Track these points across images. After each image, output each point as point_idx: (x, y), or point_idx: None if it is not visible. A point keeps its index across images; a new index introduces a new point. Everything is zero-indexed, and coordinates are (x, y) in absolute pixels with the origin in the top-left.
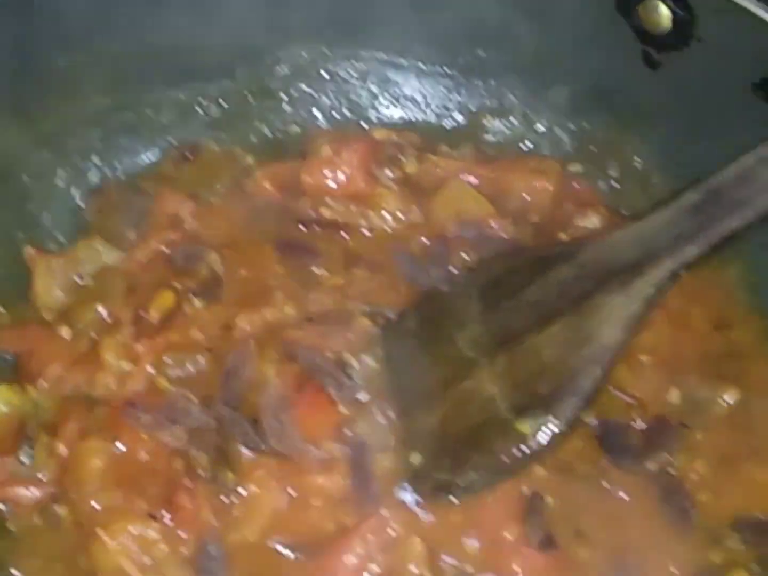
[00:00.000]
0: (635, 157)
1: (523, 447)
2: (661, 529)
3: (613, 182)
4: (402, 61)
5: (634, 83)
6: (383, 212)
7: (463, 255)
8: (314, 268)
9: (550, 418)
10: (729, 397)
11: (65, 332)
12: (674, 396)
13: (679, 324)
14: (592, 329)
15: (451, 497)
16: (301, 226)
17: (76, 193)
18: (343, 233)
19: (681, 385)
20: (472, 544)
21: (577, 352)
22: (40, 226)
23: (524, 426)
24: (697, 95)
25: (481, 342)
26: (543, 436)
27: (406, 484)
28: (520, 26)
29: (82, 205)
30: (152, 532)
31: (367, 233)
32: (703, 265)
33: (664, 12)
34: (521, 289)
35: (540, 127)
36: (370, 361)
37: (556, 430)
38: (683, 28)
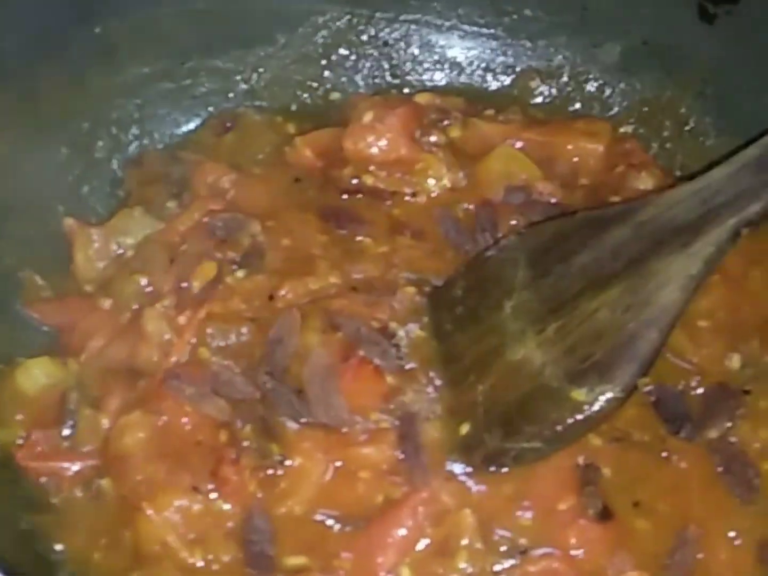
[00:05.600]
0: (690, 117)
1: (578, 415)
2: (722, 499)
3: (667, 143)
4: (445, 22)
5: (689, 38)
6: (428, 179)
7: (512, 221)
8: (358, 237)
9: (607, 385)
10: None
11: (107, 304)
12: (735, 361)
13: (738, 287)
14: (650, 292)
15: (503, 467)
16: (344, 195)
17: (115, 164)
18: (387, 201)
19: (742, 350)
20: (525, 515)
21: (634, 316)
22: (79, 198)
23: (579, 394)
24: (756, 49)
25: (531, 309)
26: (599, 404)
27: (456, 455)
28: None
29: (122, 176)
30: (197, 505)
31: (411, 200)
32: (763, 225)
33: None
34: (573, 253)
35: (590, 88)
36: (416, 329)
37: (613, 398)
38: None
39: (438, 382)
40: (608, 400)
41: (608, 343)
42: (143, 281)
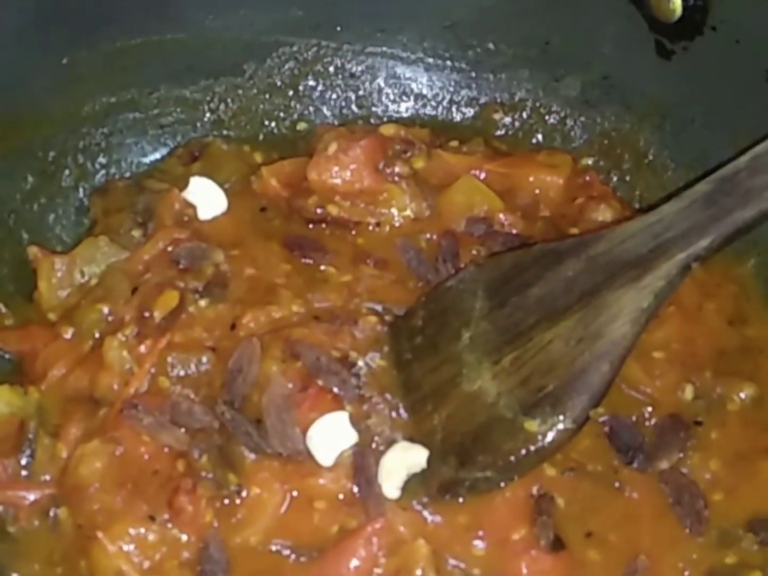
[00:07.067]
0: (649, 150)
1: (530, 446)
2: (673, 530)
3: (626, 175)
4: (410, 55)
5: (647, 73)
6: (392, 209)
7: (473, 251)
8: (322, 266)
9: (559, 416)
10: (744, 394)
11: (69, 333)
12: (688, 393)
13: (693, 319)
14: (601, 325)
15: (458, 497)
16: (309, 224)
17: (81, 193)
18: (351, 230)
19: (695, 381)
20: (479, 545)
21: (586, 348)
22: (45, 226)
23: (532, 425)
24: (712, 85)
25: (488, 340)
26: (551, 436)
27: (412, 484)
28: (530, 17)
29: (88, 204)
30: (152, 535)
31: (375, 230)
32: (717, 259)
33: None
34: (529, 285)
35: (551, 121)
36: (377, 359)
37: (565, 429)
38: (696, 16)
39: (396, 412)
40: (560, 432)
41: (561, 374)
42: (105, 310)
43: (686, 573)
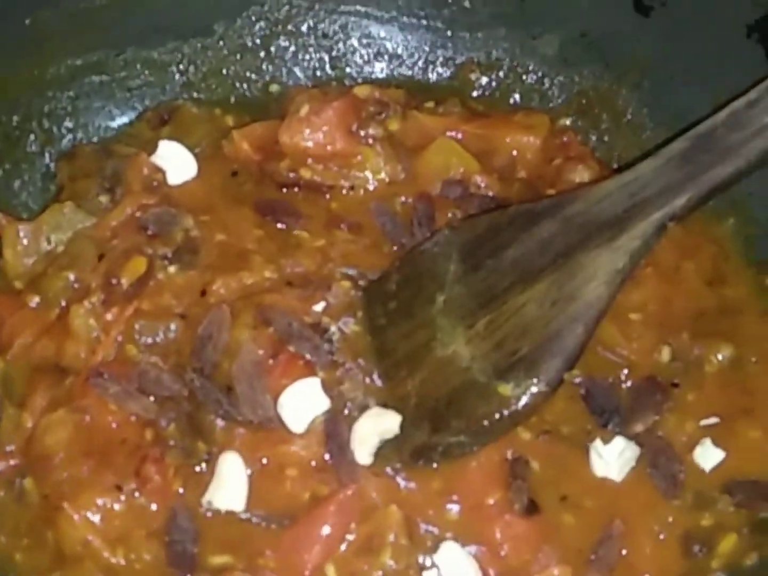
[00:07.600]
0: (627, 109)
1: (504, 410)
2: (648, 493)
3: (604, 135)
4: (384, 14)
5: (626, 31)
6: (366, 172)
7: (449, 214)
8: (295, 231)
9: (533, 380)
10: (722, 355)
11: (35, 301)
12: (665, 354)
13: (670, 280)
14: (576, 287)
15: (431, 463)
16: (282, 188)
17: (48, 158)
18: (325, 194)
19: (672, 343)
20: (452, 510)
21: (560, 311)
22: (10, 192)
23: (506, 389)
24: (691, 41)
25: (462, 304)
26: (525, 399)
27: (385, 450)
28: None
29: (55, 170)
30: (119, 505)
31: (349, 194)
32: (695, 219)
33: None
34: (504, 248)
35: (529, 80)
36: (351, 324)
37: (539, 392)
38: None
39: (369, 377)
40: (534, 395)
41: (535, 337)
42: (72, 277)
43: (662, 536)
